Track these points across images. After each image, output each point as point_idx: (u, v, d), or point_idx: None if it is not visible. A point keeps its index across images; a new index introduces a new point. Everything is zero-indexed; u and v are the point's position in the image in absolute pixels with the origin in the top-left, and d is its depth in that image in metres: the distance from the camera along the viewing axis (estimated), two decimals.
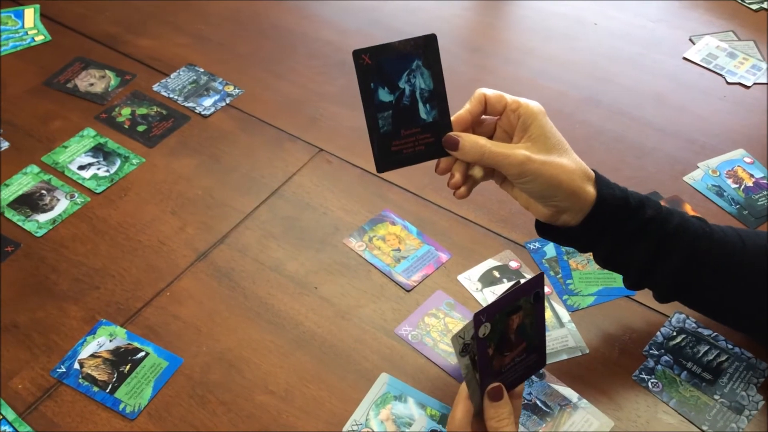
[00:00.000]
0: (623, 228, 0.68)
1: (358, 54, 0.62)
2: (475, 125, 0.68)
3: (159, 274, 0.84)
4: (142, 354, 0.76)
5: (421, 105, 0.64)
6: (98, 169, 0.94)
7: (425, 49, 0.63)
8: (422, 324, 0.80)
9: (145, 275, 0.84)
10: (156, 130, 1.00)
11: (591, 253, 0.72)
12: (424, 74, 0.64)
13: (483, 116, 0.68)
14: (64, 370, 0.74)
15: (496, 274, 0.85)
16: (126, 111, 1.02)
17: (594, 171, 0.68)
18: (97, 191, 0.92)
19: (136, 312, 0.80)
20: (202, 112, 1.03)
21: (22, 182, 0.92)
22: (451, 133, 0.65)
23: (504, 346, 0.60)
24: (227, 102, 1.05)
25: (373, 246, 0.87)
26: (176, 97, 1.05)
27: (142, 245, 0.87)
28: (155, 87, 1.07)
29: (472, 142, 0.65)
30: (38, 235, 0.86)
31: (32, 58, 1.11)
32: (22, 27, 1.16)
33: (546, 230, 0.72)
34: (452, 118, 0.66)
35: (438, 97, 0.65)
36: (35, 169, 0.93)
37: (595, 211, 0.67)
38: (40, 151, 0.96)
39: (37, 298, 0.81)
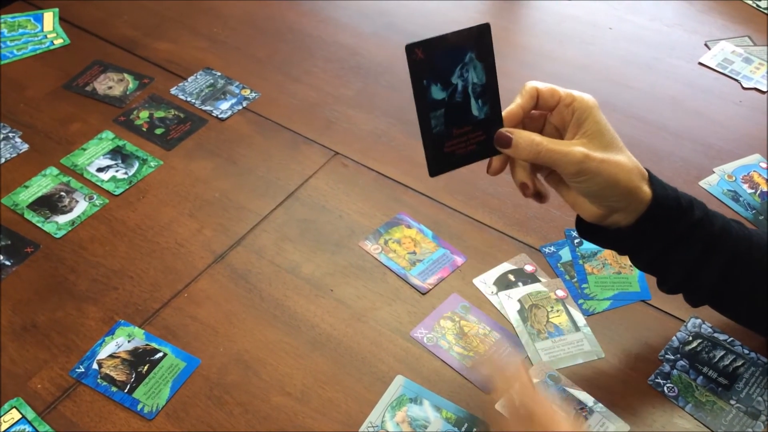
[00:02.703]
0: (673, 230, 0.65)
1: (411, 48, 0.58)
2: (525, 121, 0.64)
3: (177, 276, 0.85)
4: (160, 354, 0.76)
5: (473, 101, 0.61)
6: (117, 171, 0.95)
7: (478, 40, 0.60)
8: (438, 327, 0.80)
9: (163, 276, 0.84)
10: (174, 133, 1.01)
11: (626, 255, 0.69)
12: (477, 67, 0.60)
13: (533, 111, 0.64)
14: (83, 370, 0.75)
15: (512, 277, 0.85)
16: (144, 114, 1.03)
17: (647, 170, 0.65)
18: (116, 193, 0.93)
19: (154, 313, 0.81)
20: (219, 116, 1.04)
21: (42, 184, 0.93)
22: (502, 130, 0.62)
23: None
24: (244, 105, 1.06)
25: (388, 249, 0.88)
26: (193, 101, 1.06)
27: (160, 247, 0.87)
28: (173, 90, 1.08)
29: (527, 139, 0.61)
30: (57, 236, 0.87)
31: (51, 61, 1.12)
32: (41, 30, 1.17)
33: (589, 231, 0.68)
34: (504, 114, 0.63)
35: (490, 91, 0.61)
36: (54, 171, 0.95)
37: (650, 213, 0.64)
38: (59, 153, 0.97)
39: (56, 299, 0.82)
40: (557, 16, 1.27)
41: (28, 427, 0.70)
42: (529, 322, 0.81)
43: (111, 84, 1.08)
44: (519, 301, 0.83)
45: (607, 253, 0.87)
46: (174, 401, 0.73)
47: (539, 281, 0.85)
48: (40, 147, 0.98)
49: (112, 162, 0.96)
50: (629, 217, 0.64)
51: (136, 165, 0.96)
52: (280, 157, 0.99)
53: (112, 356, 0.76)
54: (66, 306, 0.81)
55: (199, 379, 0.75)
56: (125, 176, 0.94)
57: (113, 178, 0.94)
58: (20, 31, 1.17)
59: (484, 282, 0.85)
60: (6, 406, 0.71)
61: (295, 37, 1.20)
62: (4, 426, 0.70)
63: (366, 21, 1.23)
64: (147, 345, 0.77)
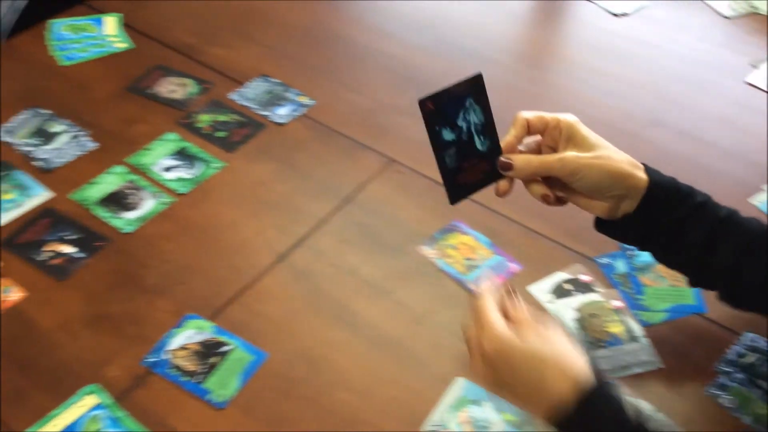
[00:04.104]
0: (677, 212, 0.71)
1: (423, 102, 0.68)
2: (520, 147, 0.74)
3: (241, 273, 0.87)
4: (228, 347, 0.79)
5: (476, 137, 0.71)
6: (181, 171, 0.98)
7: (474, 87, 0.70)
8: None
9: (229, 273, 0.87)
10: (234, 136, 1.04)
11: (643, 248, 0.74)
12: (476, 110, 0.70)
13: (529, 140, 0.74)
14: (155, 359, 0.77)
15: (567, 286, 0.87)
16: (205, 117, 1.07)
17: (643, 163, 0.72)
18: (181, 192, 0.95)
19: (221, 308, 0.83)
20: (278, 121, 1.07)
21: (109, 181, 0.96)
22: (502, 158, 0.72)
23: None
24: (301, 112, 1.09)
25: (445, 254, 0.90)
26: (252, 106, 1.09)
27: (224, 245, 0.90)
28: (232, 95, 1.11)
29: (523, 160, 0.71)
30: (126, 231, 0.90)
31: (115, 64, 1.16)
32: (103, 34, 1.21)
33: (606, 227, 0.75)
34: (501, 145, 0.72)
35: (488, 127, 0.71)
36: (121, 169, 0.98)
37: (650, 194, 0.70)
38: (125, 153, 1.01)
39: (127, 291, 0.84)
40: (606, 33, 1.29)
41: (104, 412, 0.72)
42: (587, 331, 0.82)
43: (173, 88, 1.11)
44: (576, 309, 0.84)
45: (661, 266, 0.89)
46: (243, 392, 0.76)
47: (595, 291, 0.86)
48: (106, 146, 1.02)
49: (178, 162, 0.99)
50: (633, 203, 0.71)
51: (200, 166, 0.99)
52: (337, 162, 1.02)
53: (182, 347, 0.79)
54: (136, 298, 0.84)
55: (266, 372, 0.78)
56: (190, 176, 0.97)
57: (179, 178, 0.97)
58: (83, 34, 1.21)
59: (540, 290, 0.87)
60: (83, 391, 0.74)
61: (347, 47, 1.23)
62: (82, 410, 0.72)
63: (415, 34, 1.26)
64: (215, 338, 0.80)
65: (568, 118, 0.72)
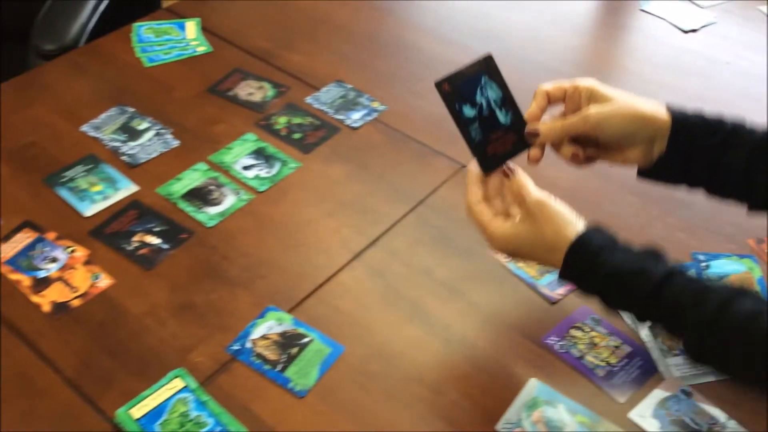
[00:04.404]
0: (709, 142, 0.73)
1: (440, 84, 0.74)
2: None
3: (318, 269, 0.90)
4: (307, 339, 0.81)
5: (498, 111, 0.76)
6: (260, 170, 1.01)
7: (487, 66, 0.76)
8: (568, 336, 0.83)
9: (306, 269, 0.90)
10: (310, 138, 1.07)
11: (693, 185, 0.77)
12: (492, 86, 0.76)
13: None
14: (238, 347, 0.80)
15: None
16: (282, 119, 1.10)
17: (667, 104, 0.75)
18: (260, 190, 0.99)
19: (300, 302, 0.86)
20: (352, 125, 1.10)
21: (193, 177, 1.00)
22: (528, 126, 0.77)
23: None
24: (374, 116, 1.12)
25: None
26: (327, 110, 1.12)
27: (302, 242, 0.93)
28: (307, 99, 1.14)
29: (548, 126, 0.76)
30: (209, 225, 0.94)
31: (195, 66, 1.20)
32: (185, 38, 1.26)
33: (648, 174, 0.77)
34: (525, 116, 0.77)
35: (509, 102, 0.77)
36: (204, 166, 1.02)
37: (676, 131, 0.73)
38: (206, 151, 1.05)
39: (210, 282, 0.88)
40: (674, 49, 1.29)
41: (190, 395, 0.75)
42: (660, 338, 0.83)
43: (251, 90, 1.15)
44: None
45: (734, 278, 0.89)
46: (322, 383, 0.78)
47: None
48: (189, 144, 1.06)
49: (256, 161, 1.03)
50: (663, 143, 0.74)
51: (278, 166, 1.02)
52: (409, 166, 1.05)
53: (264, 337, 0.81)
54: (219, 289, 0.87)
55: (343, 365, 0.80)
56: (268, 175, 1.01)
57: (257, 177, 1.01)
58: (165, 37, 1.26)
59: None
60: (170, 374, 0.77)
61: (416, 55, 1.26)
62: (170, 392, 0.76)
63: (481, 43, 1.28)
64: (295, 330, 0.82)
65: (586, 82, 0.76)
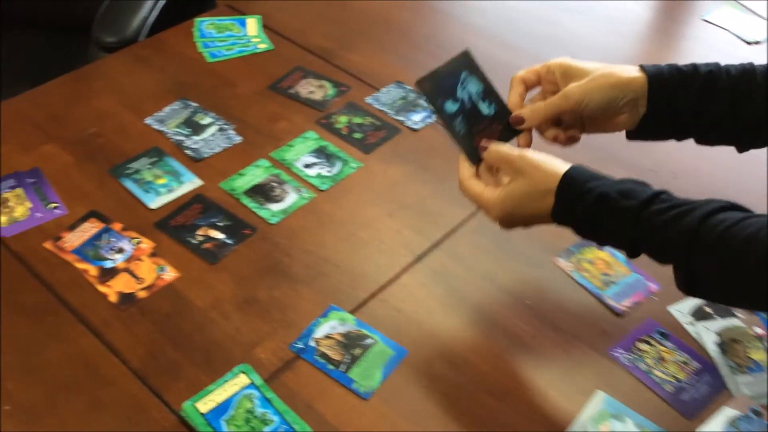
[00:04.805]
0: (688, 91, 0.74)
1: (420, 83, 0.76)
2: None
3: (380, 270, 0.89)
4: (370, 341, 0.81)
5: (480, 103, 0.78)
6: (321, 168, 1.01)
7: (466, 61, 0.78)
8: (635, 349, 0.82)
9: (368, 269, 0.89)
10: (371, 138, 1.07)
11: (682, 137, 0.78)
12: (473, 80, 0.78)
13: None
14: (302, 346, 0.80)
15: (708, 309, 0.86)
16: (343, 119, 1.10)
17: (641, 65, 0.76)
18: (322, 188, 0.99)
19: (362, 302, 0.86)
20: (412, 126, 1.09)
21: (255, 173, 1.00)
22: (513, 114, 0.78)
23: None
24: (434, 119, 1.11)
25: (581, 268, 0.90)
26: (387, 110, 1.12)
27: (363, 242, 0.93)
28: (367, 99, 1.14)
29: (530, 109, 0.78)
30: (272, 222, 0.94)
31: (257, 63, 1.21)
32: (246, 35, 1.26)
33: (636, 135, 0.79)
34: (508, 105, 0.79)
35: (491, 93, 0.78)
36: (266, 163, 1.02)
37: (652, 87, 0.74)
38: (268, 147, 1.05)
39: (273, 278, 0.88)
40: (738, 61, 1.26)
41: (255, 392, 0.75)
42: (729, 355, 0.81)
43: (312, 89, 1.15)
44: (717, 333, 0.83)
45: None
46: (385, 385, 0.78)
47: (736, 316, 0.85)
48: (251, 140, 1.06)
49: (317, 160, 1.03)
50: (644, 102, 0.75)
51: (339, 165, 1.02)
52: None
53: (327, 336, 0.81)
54: (282, 286, 0.87)
55: (407, 368, 0.79)
56: (329, 174, 1.01)
57: (319, 175, 1.00)
58: (227, 33, 1.27)
59: (680, 311, 0.86)
60: (236, 369, 0.77)
61: (476, 56, 1.25)
62: (235, 388, 0.76)
63: (543, 49, 1.26)
64: (358, 330, 0.82)
65: (556, 60, 0.78)
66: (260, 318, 0.83)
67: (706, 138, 0.78)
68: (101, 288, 0.85)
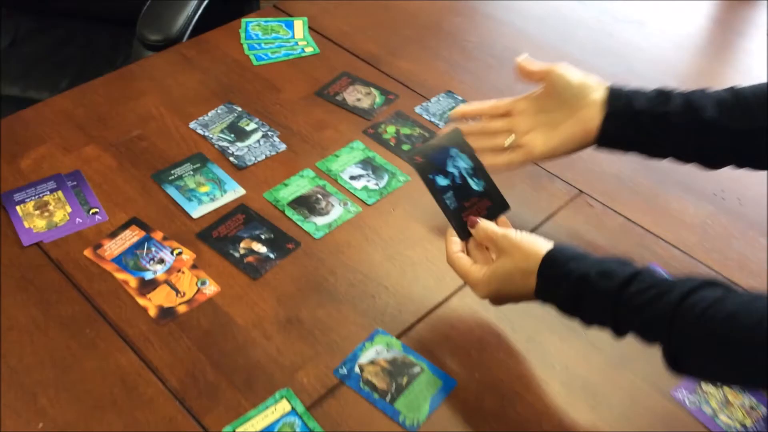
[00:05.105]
0: (646, 101, 0.78)
1: (412, 157, 0.80)
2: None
3: (429, 292, 0.85)
4: (417, 369, 0.77)
5: (470, 180, 0.79)
6: (368, 181, 0.98)
7: (454, 140, 0.80)
8: (700, 390, 0.77)
9: (416, 291, 0.85)
10: None
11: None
12: (462, 157, 0.80)
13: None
14: (346, 372, 0.77)
15: None
16: (391, 129, 1.06)
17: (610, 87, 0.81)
18: (368, 203, 0.95)
19: (409, 326, 0.82)
20: None
21: (300, 184, 0.97)
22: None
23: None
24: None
25: None
26: (437, 121, 1.08)
27: (411, 261, 0.89)
28: (417, 109, 1.10)
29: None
30: (316, 237, 0.91)
31: (303, 67, 1.17)
32: (293, 37, 1.23)
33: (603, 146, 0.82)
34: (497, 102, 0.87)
35: (479, 171, 0.80)
36: (311, 173, 0.98)
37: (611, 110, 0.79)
38: (313, 157, 1.01)
39: (317, 297, 0.84)
40: None
41: (297, 420, 0.72)
42: None
43: (359, 96, 1.11)
44: None
45: None
46: (433, 418, 0.74)
47: None
48: (296, 148, 1.03)
49: (364, 172, 0.99)
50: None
51: (386, 177, 0.98)
52: (523, 189, 0.99)
53: (372, 362, 0.77)
54: (326, 306, 0.83)
55: (456, 400, 0.75)
56: (376, 187, 0.97)
57: (365, 188, 0.97)
58: (273, 35, 1.23)
59: None
60: (277, 395, 0.74)
61: None
62: (276, 415, 0.72)
63: (603, 62, 1.21)
64: (405, 357, 0.78)
65: (557, 69, 0.84)
66: (303, 339, 0.80)
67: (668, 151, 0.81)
68: (141, 301, 0.82)
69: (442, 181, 0.78)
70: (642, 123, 0.78)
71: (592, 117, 0.79)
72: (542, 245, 0.72)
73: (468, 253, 0.78)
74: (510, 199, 0.98)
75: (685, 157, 0.80)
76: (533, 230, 0.93)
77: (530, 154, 0.83)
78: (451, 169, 0.79)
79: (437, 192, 0.78)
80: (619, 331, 0.68)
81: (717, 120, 0.75)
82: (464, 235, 0.78)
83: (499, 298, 0.76)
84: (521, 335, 0.81)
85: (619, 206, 0.96)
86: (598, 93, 0.80)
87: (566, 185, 1.00)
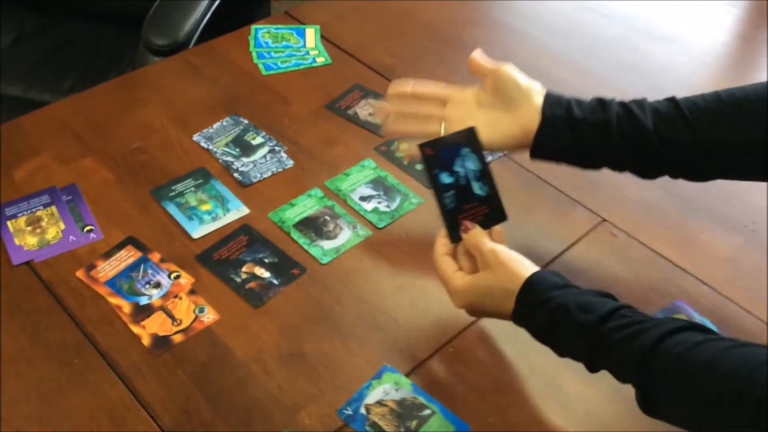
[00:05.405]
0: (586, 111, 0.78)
1: (423, 147, 0.75)
2: None
3: (441, 326, 0.80)
4: (428, 412, 0.72)
5: (474, 183, 0.76)
6: (379, 203, 0.92)
7: (470, 138, 0.76)
8: None
9: (427, 324, 0.80)
10: None
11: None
12: (472, 158, 0.76)
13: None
14: (351, 412, 0.71)
15: None
16: (404, 146, 1.01)
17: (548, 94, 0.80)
18: (379, 226, 0.90)
19: (420, 363, 0.76)
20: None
21: (307, 204, 0.92)
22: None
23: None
24: (504, 153, 1.01)
25: None
26: None
27: (423, 291, 0.83)
28: None
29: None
30: (323, 262, 0.85)
31: (314, 78, 1.12)
32: (304, 46, 1.18)
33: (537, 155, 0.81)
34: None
35: (486, 175, 0.77)
36: (319, 192, 0.93)
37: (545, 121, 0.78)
38: (322, 175, 0.96)
39: (322, 329, 0.79)
40: None
41: None
42: None
43: (372, 111, 1.06)
44: None
45: None
46: None
47: None
48: (304, 165, 0.98)
49: (375, 192, 0.94)
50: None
51: (398, 199, 0.93)
52: (543, 215, 0.94)
53: (380, 403, 0.72)
54: (332, 339, 0.78)
55: None
56: (387, 209, 0.92)
57: (376, 210, 0.91)
58: (284, 43, 1.18)
59: None
60: None
61: (556, 87, 1.14)
62: None
63: (628, 79, 1.16)
64: (414, 398, 0.73)
65: (505, 68, 0.82)
66: (306, 376, 0.75)
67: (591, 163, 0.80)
68: (134, 328, 0.77)
69: (446, 178, 0.75)
70: (580, 130, 0.77)
71: (532, 118, 0.78)
72: (527, 268, 0.70)
73: (455, 257, 0.75)
74: (528, 226, 0.94)
75: (619, 166, 0.79)
76: (552, 261, 0.88)
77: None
78: (458, 168, 0.76)
79: (439, 189, 0.75)
80: (593, 367, 0.67)
81: (656, 130, 0.75)
82: (455, 237, 0.75)
83: (474, 311, 0.75)
84: (540, 376, 0.76)
85: (644, 236, 0.91)
86: (539, 97, 0.79)
87: (588, 212, 0.94)
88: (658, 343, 0.61)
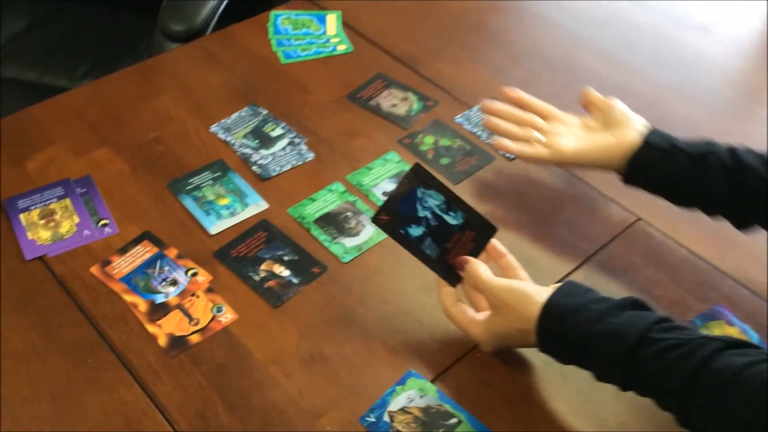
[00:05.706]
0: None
1: (377, 218, 0.71)
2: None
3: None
4: (454, 420, 0.69)
5: (446, 216, 0.72)
6: None
7: (418, 176, 0.72)
8: None
9: (453, 327, 0.76)
10: (460, 165, 0.94)
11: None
12: (431, 194, 0.72)
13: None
14: (374, 420, 0.68)
15: None
16: (429, 139, 0.97)
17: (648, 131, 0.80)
18: None
19: (446, 369, 0.73)
20: (508, 155, 0.96)
21: (328, 199, 0.88)
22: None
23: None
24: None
25: None
26: (480, 133, 0.99)
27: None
28: (457, 118, 1.01)
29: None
30: (344, 260, 0.82)
31: (335, 67, 1.09)
32: (325, 33, 1.14)
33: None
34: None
35: (454, 201, 0.73)
36: (341, 187, 0.90)
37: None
38: (343, 168, 0.93)
39: (344, 331, 0.76)
40: None
41: None
42: None
43: (395, 102, 1.02)
44: None
45: None
46: None
47: None
48: (325, 158, 0.94)
49: None
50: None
51: None
52: (575, 213, 0.90)
53: (403, 410, 0.69)
54: (354, 341, 0.75)
55: None
56: None
57: None
58: (304, 30, 1.15)
59: None
60: None
61: (587, 78, 1.09)
62: None
63: (663, 71, 1.11)
64: (440, 405, 0.70)
65: (616, 104, 0.84)
66: (327, 380, 0.72)
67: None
68: (150, 328, 0.74)
69: (415, 231, 0.72)
70: (677, 157, 0.76)
71: (633, 140, 0.79)
72: (534, 300, 0.67)
73: (467, 296, 0.74)
74: (560, 224, 0.90)
75: (713, 203, 0.77)
76: (585, 261, 0.84)
77: (560, 152, 0.83)
78: (422, 213, 0.72)
79: (413, 245, 0.72)
80: (633, 390, 0.64)
81: (759, 169, 0.73)
82: (454, 281, 0.73)
83: (505, 347, 0.73)
84: (572, 385, 0.72)
85: (680, 236, 0.87)
86: (644, 128, 0.81)
87: (622, 210, 0.90)
88: (701, 369, 0.58)
